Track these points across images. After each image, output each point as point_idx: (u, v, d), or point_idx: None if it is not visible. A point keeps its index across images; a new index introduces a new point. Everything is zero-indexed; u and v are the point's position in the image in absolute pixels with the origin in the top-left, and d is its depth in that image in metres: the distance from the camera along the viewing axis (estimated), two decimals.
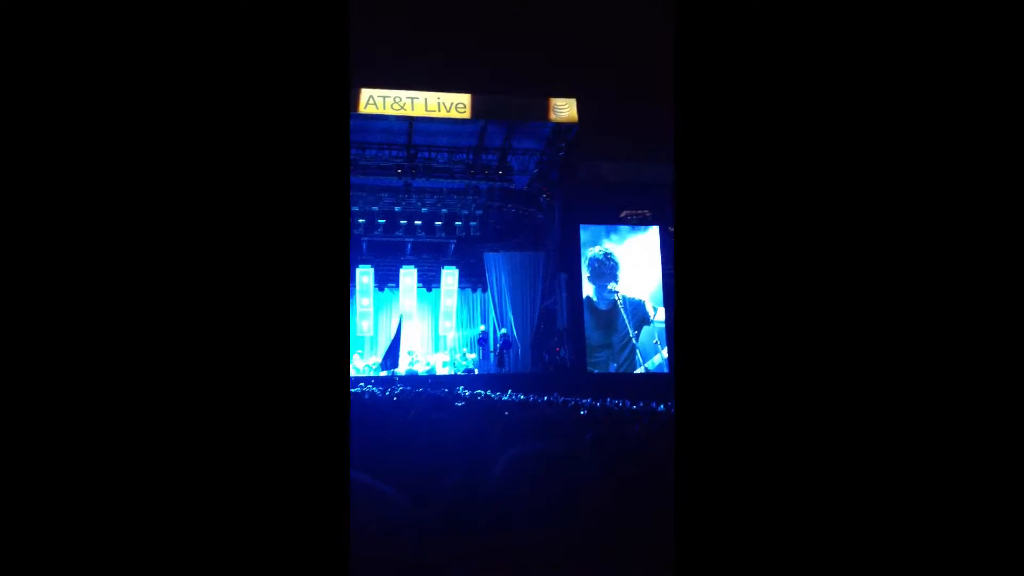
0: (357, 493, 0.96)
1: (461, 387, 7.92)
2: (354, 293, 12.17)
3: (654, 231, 11.89)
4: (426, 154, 11.40)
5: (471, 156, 11.57)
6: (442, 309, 12.63)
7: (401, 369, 11.15)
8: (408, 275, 12.39)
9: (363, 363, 11.55)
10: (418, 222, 12.22)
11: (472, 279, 12.83)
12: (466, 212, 12.31)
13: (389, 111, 10.44)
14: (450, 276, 12.52)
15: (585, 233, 11.65)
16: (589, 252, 11.55)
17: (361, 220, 11.95)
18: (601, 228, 11.82)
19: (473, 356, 12.15)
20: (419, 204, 12.05)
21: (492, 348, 12.10)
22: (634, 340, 11.25)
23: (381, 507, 0.97)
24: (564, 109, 11.01)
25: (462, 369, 11.69)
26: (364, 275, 12.22)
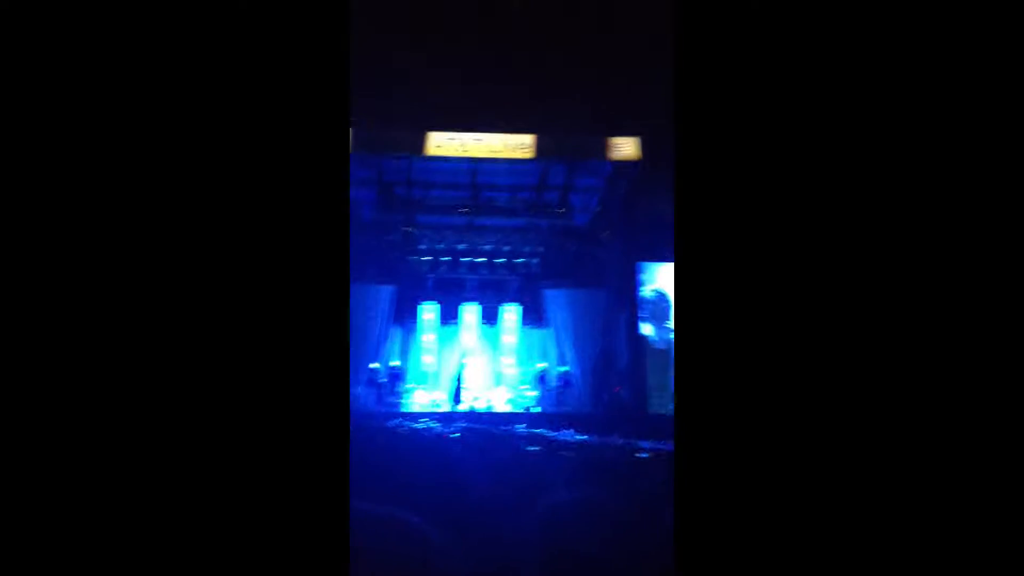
0: (388, 526, 0.95)
1: (521, 425, 7.93)
2: (419, 329, 12.45)
3: None
4: (489, 193, 11.69)
5: (533, 195, 11.78)
6: (503, 346, 12.73)
7: (462, 405, 11.25)
8: (470, 312, 12.59)
9: (428, 398, 11.73)
10: (481, 260, 12.46)
11: (533, 316, 12.90)
12: (528, 250, 12.48)
13: (455, 153, 10.80)
14: (511, 313, 12.63)
15: (645, 271, 11.57)
16: (643, 292, 11.44)
17: (427, 258, 12.30)
18: (659, 265, 11.71)
19: (533, 393, 12.13)
20: (482, 242, 12.32)
21: (552, 386, 12.05)
22: None
23: (411, 542, 0.96)
24: (626, 147, 11.08)
25: (521, 407, 11.67)
26: (429, 312, 12.50)
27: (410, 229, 11.84)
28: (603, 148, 11.08)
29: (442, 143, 10.79)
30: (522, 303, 12.74)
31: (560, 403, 11.51)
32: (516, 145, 10.93)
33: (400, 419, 8.43)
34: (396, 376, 11.93)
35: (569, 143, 11.21)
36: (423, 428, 6.73)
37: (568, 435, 6.56)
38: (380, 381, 11.46)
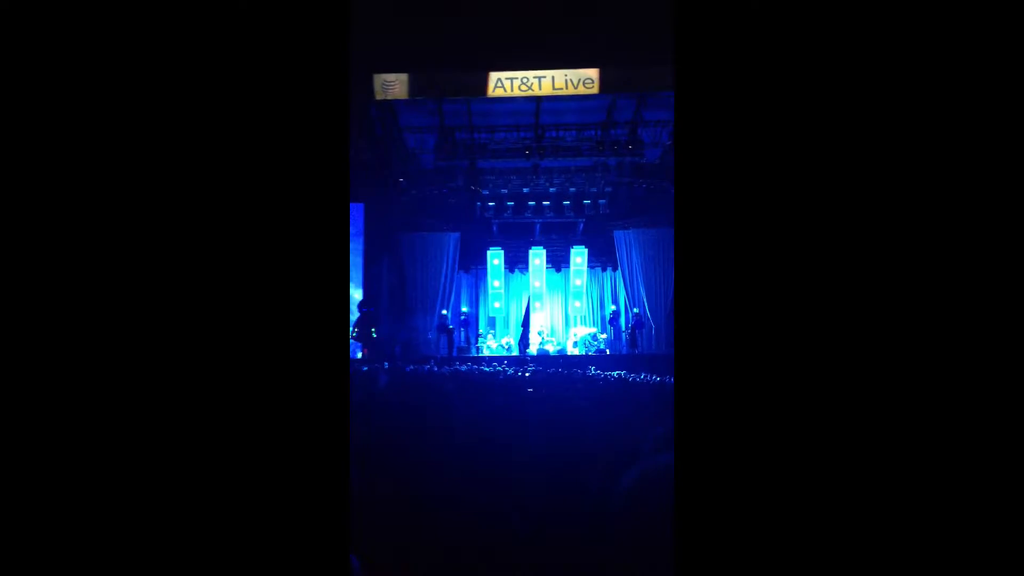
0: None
1: (593, 368, 7.83)
2: (485, 275, 12.46)
3: None
4: (553, 133, 11.31)
5: (599, 132, 11.32)
6: (571, 289, 12.58)
7: (532, 349, 11.27)
8: (537, 256, 12.45)
9: (496, 343, 11.82)
10: (546, 203, 12.21)
11: (602, 258, 12.64)
12: (595, 190, 12.10)
13: (516, 93, 10.44)
14: (579, 256, 12.42)
15: None
16: None
17: (491, 203, 12.16)
18: None
19: (604, 336, 12.01)
20: (547, 184, 12.03)
21: (624, 328, 11.87)
22: None
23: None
24: None
25: (593, 349, 11.58)
26: (495, 257, 12.45)
27: (475, 188, 11.68)
28: (673, 77, 10.40)
29: (503, 83, 10.43)
30: (590, 245, 12.48)
31: (633, 345, 11.33)
32: (580, 80, 10.44)
33: (471, 363, 8.50)
34: (466, 322, 12.05)
35: (636, 75, 10.59)
36: (494, 372, 6.74)
37: (640, 376, 6.39)
38: (450, 327, 11.60)
